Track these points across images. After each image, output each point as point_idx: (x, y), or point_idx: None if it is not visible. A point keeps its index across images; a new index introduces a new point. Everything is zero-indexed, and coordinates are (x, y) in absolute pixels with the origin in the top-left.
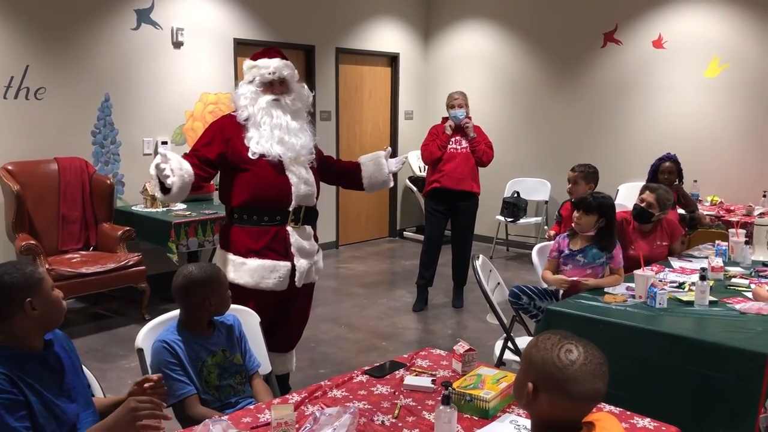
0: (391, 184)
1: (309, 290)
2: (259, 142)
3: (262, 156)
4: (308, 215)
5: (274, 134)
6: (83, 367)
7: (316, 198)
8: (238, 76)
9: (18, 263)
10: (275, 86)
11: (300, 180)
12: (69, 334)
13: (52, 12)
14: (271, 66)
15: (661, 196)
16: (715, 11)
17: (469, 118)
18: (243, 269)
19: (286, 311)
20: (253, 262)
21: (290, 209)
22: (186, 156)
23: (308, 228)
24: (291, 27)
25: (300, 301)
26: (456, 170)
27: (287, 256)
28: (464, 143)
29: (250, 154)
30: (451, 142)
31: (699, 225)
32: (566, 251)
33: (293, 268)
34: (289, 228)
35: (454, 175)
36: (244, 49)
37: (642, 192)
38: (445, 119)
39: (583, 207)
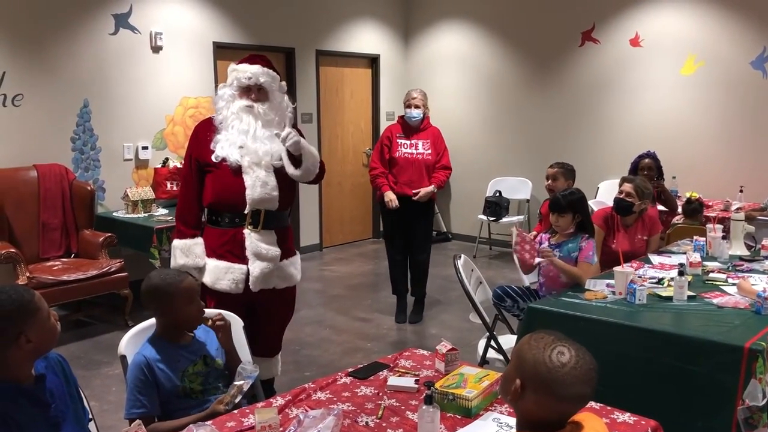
0: (301, 173)
1: (284, 296)
2: (221, 146)
3: (224, 159)
4: (270, 220)
5: (239, 139)
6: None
7: (290, 204)
8: (218, 80)
9: (13, 291)
10: (252, 92)
11: (256, 183)
12: None
13: (29, 18)
14: (248, 71)
15: (639, 185)
16: (690, 10)
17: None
18: (206, 268)
19: (257, 317)
20: (212, 263)
21: (246, 212)
22: (191, 208)
23: (271, 233)
24: (271, 30)
25: (272, 307)
26: (411, 179)
27: (243, 259)
28: (420, 147)
29: (213, 157)
30: (405, 146)
31: (700, 213)
32: (546, 244)
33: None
34: (245, 231)
35: (409, 185)
36: (223, 52)
37: (621, 184)
38: (400, 117)
39: (557, 210)
